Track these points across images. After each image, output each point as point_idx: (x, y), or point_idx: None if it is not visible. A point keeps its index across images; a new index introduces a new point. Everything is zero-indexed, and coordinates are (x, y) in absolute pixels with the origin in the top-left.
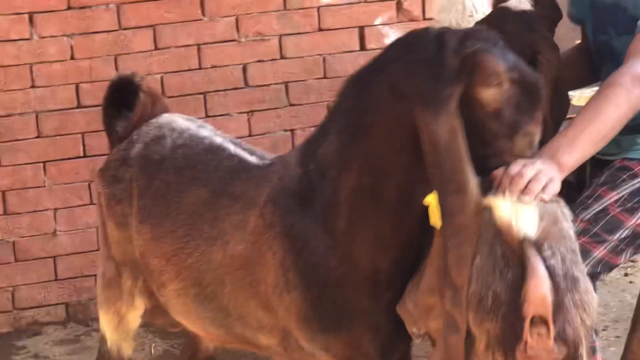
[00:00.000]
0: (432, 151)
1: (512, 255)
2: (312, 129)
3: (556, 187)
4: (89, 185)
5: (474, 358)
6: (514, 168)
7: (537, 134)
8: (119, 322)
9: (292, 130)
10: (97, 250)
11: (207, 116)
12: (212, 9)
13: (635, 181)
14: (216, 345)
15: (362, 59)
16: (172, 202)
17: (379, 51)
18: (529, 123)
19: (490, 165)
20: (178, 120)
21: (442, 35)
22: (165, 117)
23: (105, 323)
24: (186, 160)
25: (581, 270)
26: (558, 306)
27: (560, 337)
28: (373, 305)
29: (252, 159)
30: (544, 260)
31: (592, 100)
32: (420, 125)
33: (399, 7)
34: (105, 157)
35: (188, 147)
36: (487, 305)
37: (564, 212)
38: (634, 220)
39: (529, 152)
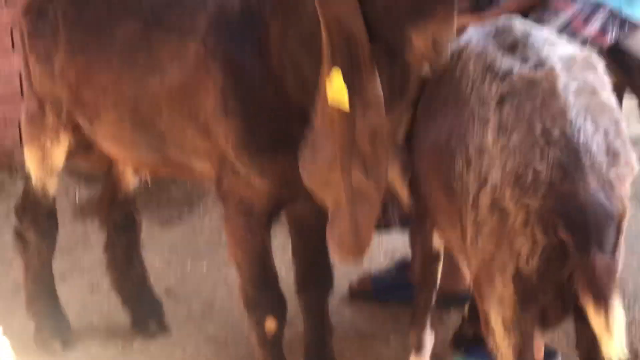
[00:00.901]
0: (333, 30)
1: (554, 133)
2: None
3: None
4: (11, 31)
5: (506, 232)
6: None
7: (442, 32)
8: (43, 157)
9: None
10: (21, 97)
11: None
12: None
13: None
14: (143, 177)
15: None
16: (105, 34)
17: None
18: (424, 19)
19: (402, 56)
20: None
21: None
22: None
23: (30, 158)
24: None
25: (623, 141)
26: (607, 182)
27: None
28: (304, 136)
29: None
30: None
31: None
32: (319, 3)
33: None
34: None
35: None
36: (526, 181)
37: (602, 81)
38: None
39: (433, 54)
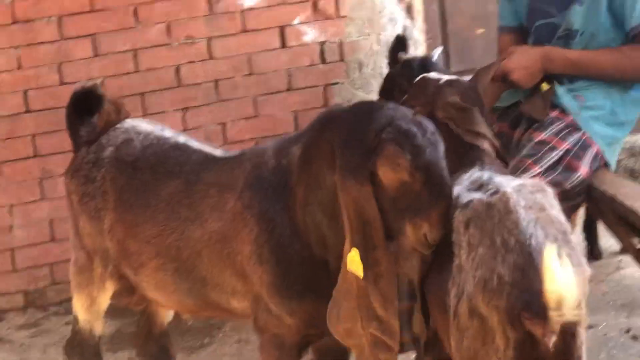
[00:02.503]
0: (352, 213)
1: (511, 242)
2: (241, 121)
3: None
4: (40, 181)
5: (486, 333)
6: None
7: (432, 231)
8: (91, 304)
9: (223, 124)
10: (50, 241)
11: (144, 114)
12: (144, 17)
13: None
14: (188, 317)
15: (283, 56)
16: (151, 194)
17: (298, 48)
18: (419, 217)
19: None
20: (142, 125)
21: (376, 112)
22: (129, 122)
23: (79, 305)
24: (157, 158)
25: (572, 248)
26: None
27: None
28: (327, 283)
29: (217, 152)
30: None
31: (606, 52)
32: (341, 188)
33: (315, 6)
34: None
35: (156, 146)
36: (492, 286)
37: (550, 202)
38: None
39: (421, 246)
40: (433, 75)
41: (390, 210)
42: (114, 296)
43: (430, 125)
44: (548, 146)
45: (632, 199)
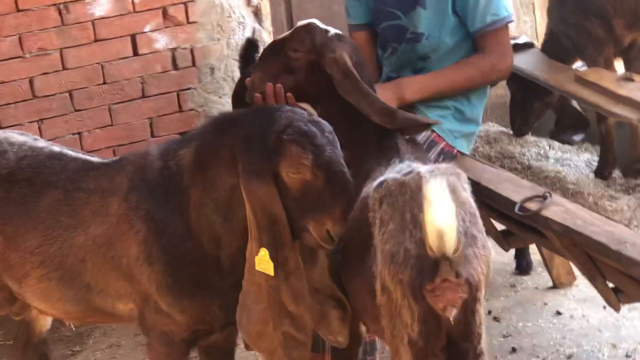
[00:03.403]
0: (259, 214)
1: (420, 217)
2: (97, 130)
3: None
4: None
5: (394, 307)
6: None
7: (335, 226)
8: None
9: (79, 133)
10: None
11: (0, 128)
12: None
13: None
14: (72, 323)
15: (136, 64)
16: (30, 205)
17: (150, 55)
18: (322, 214)
19: (302, 238)
20: (14, 136)
21: (274, 115)
22: (0, 134)
23: None
24: (32, 169)
25: (479, 229)
26: (464, 257)
27: (467, 281)
28: (219, 283)
29: (94, 159)
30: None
31: (454, 67)
32: (245, 190)
33: (165, 14)
34: None
35: (31, 157)
36: (399, 259)
37: (462, 185)
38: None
39: (324, 241)
40: (320, 24)
41: (294, 209)
42: None
43: (327, 125)
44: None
45: (494, 183)
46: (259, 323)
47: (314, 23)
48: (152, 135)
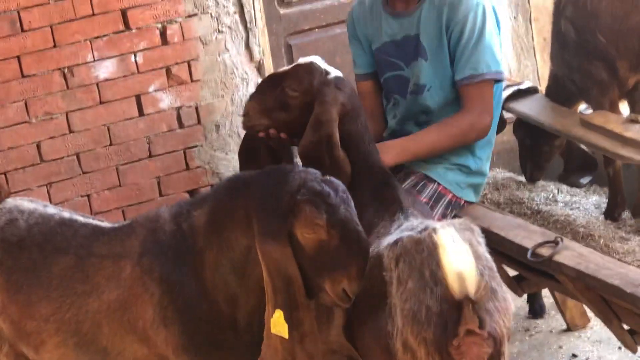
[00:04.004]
0: (274, 275)
1: (439, 274)
2: (106, 191)
3: None
4: None
5: None
6: None
7: (351, 284)
8: None
9: (88, 195)
10: None
11: (10, 193)
12: (1, 97)
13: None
14: None
15: (141, 124)
16: (42, 272)
17: (156, 115)
18: (338, 273)
19: (318, 297)
20: (24, 204)
21: (288, 175)
22: (10, 202)
23: None
24: (43, 236)
25: (498, 283)
26: (486, 311)
27: (490, 335)
28: (236, 342)
29: (104, 224)
30: None
31: (432, 129)
32: (260, 251)
33: (169, 73)
34: None
35: (41, 224)
36: (421, 318)
37: (477, 239)
38: None
39: (341, 300)
40: (321, 64)
41: (310, 268)
42: None
43: (340, 184)
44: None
45: (505, 230)
46: None
47: (315, 63)
48: (161, 194)
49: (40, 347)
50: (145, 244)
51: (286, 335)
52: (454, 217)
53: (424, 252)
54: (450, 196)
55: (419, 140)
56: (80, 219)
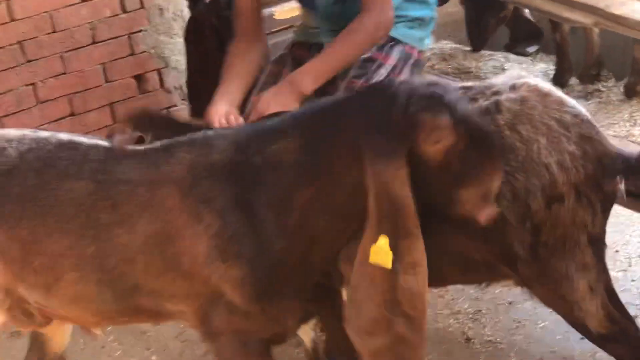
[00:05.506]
0: (383, 200)
1: (566, 119)
2: (51, 79)
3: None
4: None
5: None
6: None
7: (492, 184)
8: None
9: (33, 84)
10: None
11: None
12: None
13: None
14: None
15: (84, 10)
16: (46, 202)
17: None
18: (479, 174)
19: (451, 213)
20: (10, 131)
21: (391, 91)
22: None
23: None
24: (42, 161)
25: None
26: None
27: None
28: (303, 286)
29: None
30: None
31: (340, 41)
32: (371, 175)
33: None
34: None
35: (37, 149)
36: (567, 164)
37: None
38: None
39: (485, 203)
40: None
41: (436, 185)
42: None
43: (449, 83)
44: (376, 63)
45: None
46: (369, 321)
47: None
48: (107, 81)
49: (53, 285)
50: (196, 171)
51: (389, 265)
52: None
53: (537, 107)
54: (414, 53)
55: (331, 58)
56: (84, 139)
